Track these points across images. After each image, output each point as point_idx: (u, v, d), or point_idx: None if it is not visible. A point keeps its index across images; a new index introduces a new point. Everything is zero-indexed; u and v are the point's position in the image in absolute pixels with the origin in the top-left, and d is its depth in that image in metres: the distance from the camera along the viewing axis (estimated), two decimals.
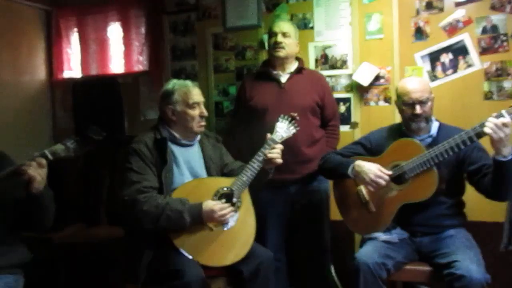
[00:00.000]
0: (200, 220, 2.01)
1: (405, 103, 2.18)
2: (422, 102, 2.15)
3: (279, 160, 2.19)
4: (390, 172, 2.14)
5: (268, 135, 2.24)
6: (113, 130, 3.33)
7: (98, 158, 3.26)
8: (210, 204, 2.03)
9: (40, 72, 3.70)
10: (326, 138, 2.72)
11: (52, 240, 2.88)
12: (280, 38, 2.62)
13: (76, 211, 3.25)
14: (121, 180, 2.06)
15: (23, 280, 1.83)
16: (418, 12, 2.80)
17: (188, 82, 2.24)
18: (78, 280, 2.86)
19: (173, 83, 2.22)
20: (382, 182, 2.12)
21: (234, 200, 2.12)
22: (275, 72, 2.68)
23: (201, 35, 3.28)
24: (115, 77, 3.54)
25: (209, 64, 3.26)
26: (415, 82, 2.20)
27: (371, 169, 2.14)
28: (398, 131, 2.28)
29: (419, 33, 2.80)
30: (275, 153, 2.18)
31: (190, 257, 1.98)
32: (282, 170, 2.37)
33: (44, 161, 1.69)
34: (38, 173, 1.67)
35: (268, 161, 2.17)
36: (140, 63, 3.48)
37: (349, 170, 2.21)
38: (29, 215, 1.78)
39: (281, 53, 2.62)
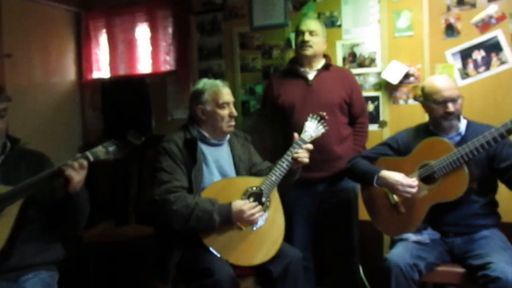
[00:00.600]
0: (229, 220, 2.02)
1: (436, 102, 2.13)
2: (453, 100, 2.11)
3: (306, 160, 2.18)
4: (415, 182, 2.11)
5: (296, 134, 2.23)
6: (141, 130, 3.37)
7: (127, 157, 3.29)
8: (239, 204, 2.03)
9: (70, 73, 3.78)
10: (354, 136, 2.69)
11: (82, 238, 2.94)
12: (307, 36, 2.60)
13: (105, 210, 3.30)
14: (152, 180, 2.08)
15: (58, 276, 1.87)
16: (449, 8, 2.74)
17: (219, 82, 2.25)
18: (107, 277, 2.91)
19: (204, 83, 2.23)
20: (412, 191, 2.10)
21: (263, 199, 2.12)
22: (302, 69, 2.66)
23: (228, 35, 3.29)
24: (142, 77, 3.58)
25: (236, 64, 3.27)
26: (445, 80, 2.16)
27: (397, 180, 2.13)
28: (426, 131, 2.25)
29: (450, 30, 2.74)
30: (303, 153, 2.17)
31: (219, 255, 1.99)
32: (310, 168, 2.35)
33: (85, 163, 1.73)
34: (77, 174, 1.70)
35: (296, 161, 2.17)
36: (167, 63, 3.51)
37: (374, 180, 2.21)
38: (65, 215, 1.82)
39: (308, 51, 2.60)
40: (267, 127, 2.84)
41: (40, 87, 3.53)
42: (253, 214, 2.04)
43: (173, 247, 2.05)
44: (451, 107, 2.10)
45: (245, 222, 2.05)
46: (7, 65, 3.17)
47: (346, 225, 2.70)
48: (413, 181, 2.13)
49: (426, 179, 2.13)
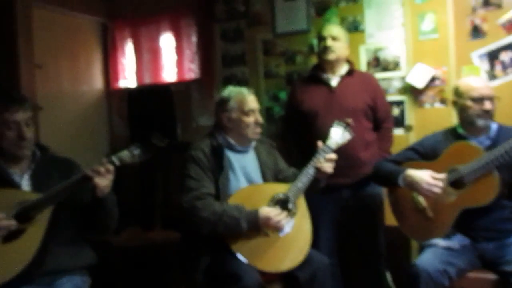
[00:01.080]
0: (256, 226, 2.03)
1: (473, 99, 2.10)
2: (490, 99, 2.09)
3: (330, 170, 2.17)
4: (443, 176, 2.07)
5: (320, 142, 2.23)
6: (166, 137, 3.42)
7: (153, 163, 3.35)
8: (266, 210, 2.04)
9: (98, 82, 3.86)
10: (379, 141, 2.67)
11: (111, 243, 2.99)
12: (329, 42, 2.61)
13: (131, 216, 3.35)
14: (180, 187, 2.11)
15: (90, 281, 1.91)
16: (474, 10, 2.70)
17: (244, 89, 2.27)
18: (135, 282, 2.95)
19: (229, 91, 2.26)
20: (437, 190, 2.07)
21: (290, 206, 2.12)
22: (325, 76, 2.66)
23: (251, 42, 3.31)
24: (168, 85, 3.64)
25: (259, 70, 3.29)
26: (479, 80, 2.18)
27: (423, 178, 2.10)
28: (454, 134, 2.22)
29: (476, 31, 2.71)
30: (326, 163, 2.16)
31: (247, 261, 2.00)
32: (334, 174, 2.32)
33: (111, 167, 1.77)
34: (104, 178, 1.75)
35: (319, 170, 2.16)
36: (192, 71, 3.56)
37: (400, 180, 2.18)
38: (95, 219, 1.86)
39: (331, 56, 2.60)
40: (291, 133, 2.84)
41: (69, 96, 3.62)
42: (279, 221, 2.04)
43: (200, 253, 2.07)
44: (488, 104, 2.07)
45: (271, 228, 2.06)
46: (38, 75, 3.27)
47: (371, 231, 2.68)
48: (439, 179, 2.08)
49: (455, 184, 2.10)
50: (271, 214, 2.03)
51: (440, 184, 2.07)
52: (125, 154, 1.82)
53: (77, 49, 3.69)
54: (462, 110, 2.18)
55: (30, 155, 1.90)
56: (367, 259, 2.70)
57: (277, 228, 2.06)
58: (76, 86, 3.69)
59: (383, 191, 2.60)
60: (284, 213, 2.08)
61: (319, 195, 2.49)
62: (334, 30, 2.64)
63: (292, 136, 2.82)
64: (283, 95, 3.21)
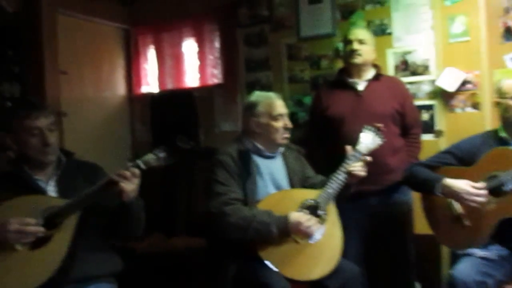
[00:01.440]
0: (286, 232, 1.97)
1: None
2: None
3: (363, 173, 2.13)
4: (483, 185, 1.99)
5: (349, 147, 2.17)
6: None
7: (176, 169, 3.33)
8: (296, 215, 1.99)
9: (120, 88, 3.88)
10: (408, 147, 2.60)
11: (134, 250, 2.97)
12: (356, 45, 2.55)
13: (155, 222, 3.32)
14: (207, 192, 2.08)
15: None
16: (506, 11, 2.63)
17: (272, 94, 2.24)
18: None
19: (257, 95, 2.23)
20: (481, 200, 1.98)
21: (320, 212, 2.07)
22: (351, 80, 2.61)
23: (275, 46, 3.28)
24: (190, 90, 3.62)
25: (284, 75, 3.25)
26: None
27: (463, 187, 2.01)
28: (495, 138, 2.12)
29: (509, 34, 2.63)
30: (359, 166, 2.12)
31: (276, 269, 1.95)
32: (362, 181, 2.27)
33: (137, 171, 1.74)
34: (130, 183, 1.71)
35: (351, 174, 2.11)
36: (214, 76, 3.54)
37: (437, 189, 2.09)
38: (121, 224, 1.83)
39: (358, 59, 2.55)
40: (316, 139, 2.78)
41: (92, 102, 3.64)
42: (310, 226, 1.99)
43: (228, 260, 2.02)
44: None
45: (302, 234, 2.00)
46: (62, 81, 3.29)
47: (400, 239, 2.59)
48: (481, 189, 2.00)
49: (494, 192, 2.01)
50: (302, 219, 1.98)
51: (483, 192, 1.99)
52: (150, 157, 1.78)
53: (100, 56, 3.72)
54: (505, 111, 2.09)
55: (55, 161, 1.89)
56: (396, 270, 2.62)
57: (308, 234, 2.01)
58: (99, 92, 3.71)
59: (412, 198, 2.53)
60: (315, 219, 2.03)
61: (346, 202, 2.43)
62: (361, 34, 2.59)
63: (317, 142, 2.76)
64: (307, 100, 3.16)
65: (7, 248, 1.63)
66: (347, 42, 2.60)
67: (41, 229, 1.67)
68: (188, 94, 3.60)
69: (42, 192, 1.82)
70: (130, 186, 1.73)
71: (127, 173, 1.72)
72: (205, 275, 2.34)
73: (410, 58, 2.86)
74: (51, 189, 1.85)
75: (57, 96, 3.20)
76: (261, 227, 1.94)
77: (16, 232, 1.62)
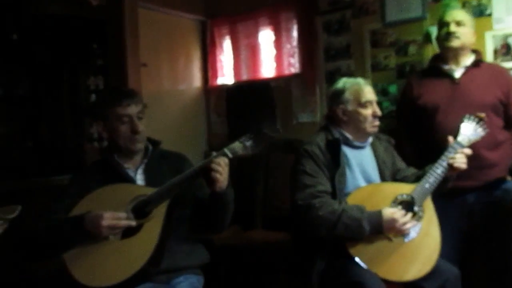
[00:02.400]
0: (379, 229, 1.84)
1: None
2: None
3: (464, 166, 1.96)
4: None
5: (451, 138, 2.01)
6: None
7: (252, 162, 3.28)
8: (390, 211, 1.85)
9: (196, 80, 3.90)
10: None
11: (214, 243, 2.95)
12: (453, 27, 2.35)
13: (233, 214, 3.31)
14: (293, 183, 1.99)
15: (203, 281, 1.85)
16: None
17: (360, 80, 2.11)
18: (238, 283, 2.89)
19: (344, 82, 2.11)
20: None
21: (416, 209, 1.91)
22: (446, 67, 2.41)
23: (357, 33, 3.13)
24: (267, 81, 3.56)
25: (366, 63, 3.10)
26: None
27: None
28: None
29: None
30: (460, 158, 1.96)
31: (366, 267, 1.82)
32: (458, 176, 2.09)
33: (226, 160, 1.68)
34: (222, 172, 1.66)
35: (451, 167, 1.95)
36: (292, 66, 3.45)
37: None
38: (211, 215, 1.79)
39: (455, 42, 2.34)
40: (404, 130, 2.61)
41: (169, 94, 3.69)
42: (405, 223, 1.85)
43: (316, 256, 1.92)
44: None
45: (396, 232, 1.86)
46: (142, 74, 3.34)
47: (501, 241, 2.35)
48: None
49: None
50: (396, 215, 1.84)
51: None
52: (237, 145, 1.72)
53: (177, 48, 3.75)
54: None
55: (143, 150, 1.88)
56: (497, 276, 2.40)
57: (402, 232, 1.86)
58: (176, 84, 3.75)
59: None
60: (410, 216, 1.88)
61: (440, 199, 2.25)
62: (459, 15, 2.39)
63: (405, 134, 2.59)
64: (393, 89, 2.98)
65: (100, 239, 1.65)
66: (443, 24, 2.40)
67: (133, 222, 1.67)
68: (264, 84, 3.53)
69: (131, 180, 1.83)
70: (223, 175, 1.68)
71: (221, 161, 1.67)
72: (289, 270, 2.27)
73: None
74: (139, 178, 1.85)
75: (139, 88, 3.25)
76: (352, 223, 1.82)
77: (109, 228, 1.63)
